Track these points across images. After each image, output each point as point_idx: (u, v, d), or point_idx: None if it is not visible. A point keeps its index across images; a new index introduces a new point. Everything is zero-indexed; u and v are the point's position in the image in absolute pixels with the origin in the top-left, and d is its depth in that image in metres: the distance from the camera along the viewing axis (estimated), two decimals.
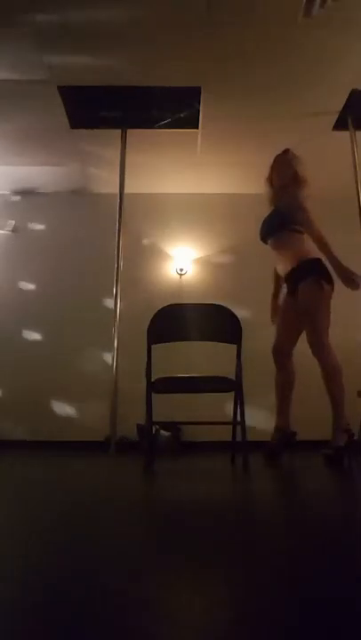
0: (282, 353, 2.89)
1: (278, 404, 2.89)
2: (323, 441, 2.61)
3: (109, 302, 3.51)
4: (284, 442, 2.86)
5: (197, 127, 3.75)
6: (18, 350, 4.34)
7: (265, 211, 2.94)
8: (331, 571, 0.86)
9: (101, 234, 4.44)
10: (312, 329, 2.68)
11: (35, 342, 4.35)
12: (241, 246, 4.38)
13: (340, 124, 3.70)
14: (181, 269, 4.51)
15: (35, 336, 4.38)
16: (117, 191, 3.70)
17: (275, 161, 2.97)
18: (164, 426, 3.75)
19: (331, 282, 2.73)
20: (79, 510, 1.47)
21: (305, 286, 2.71)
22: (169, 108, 3.55)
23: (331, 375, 2.59)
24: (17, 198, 4.71)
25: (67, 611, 0.68)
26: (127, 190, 3.73)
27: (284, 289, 2.92)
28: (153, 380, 2.51)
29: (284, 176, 2.89)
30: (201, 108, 3.53)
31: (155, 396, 2.53)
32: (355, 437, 2.60)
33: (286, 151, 2.97)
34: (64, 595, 0.75)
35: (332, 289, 2.74)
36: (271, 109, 3.54)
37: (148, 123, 3.70)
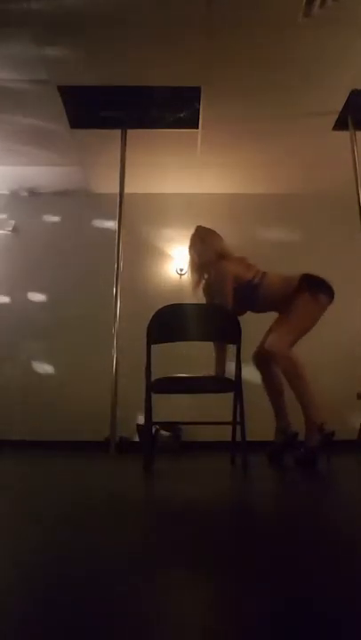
0: (258, 358, 2.89)
1: (273, 407, 2.90)
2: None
3: (109, 302, 3.50)
4: (286, 443, 2.86)
5: (197, 127, 3.75)
6: (17, 350, 4.34)
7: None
8: (331, 571, 0.86)
9: (101, 234, 4.45)
10: (286, 328, 2.68)
11: (34, 342, 4.35)
12: (241, 246, 4.31)
13: (340, 124, 3.70)
14: (181, 269, 4.51)
15: (34, 336, 4.37)
16: (117, 191, 3.70)
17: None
18: (164, 426, 3.75)
19: (328, 293, 2.74)
20: (79, 510, 1.47)
21: (301, 300, 2.72)
22: (169, 108, 3.55)
23: (294, 372, 2.58)
24: (17, 198, 4.72)
25: (66, 611, 0.68)
26: (127, 190, 3.73)
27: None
28: (153, 380, 2.51)
29: (203, 254, 2.87)
30: (201, 108, 3.52)
31: (155, 396, 2.53)
32: (333, 436, 2.53)
33: (196, 230, 2.97)
34: (63, 595, 0.75)
35: (330, 301, 2.74)
36: (271, 109, 3.54)
37: (148, 123, 3.70)
